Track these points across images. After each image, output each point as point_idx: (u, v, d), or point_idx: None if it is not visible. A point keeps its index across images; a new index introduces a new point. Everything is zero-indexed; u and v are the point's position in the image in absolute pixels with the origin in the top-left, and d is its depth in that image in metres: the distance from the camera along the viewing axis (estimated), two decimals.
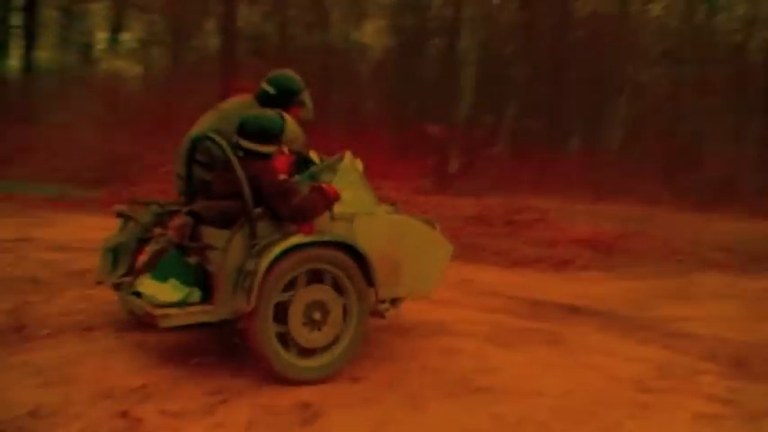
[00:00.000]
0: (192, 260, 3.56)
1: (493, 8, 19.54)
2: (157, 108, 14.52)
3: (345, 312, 3.66)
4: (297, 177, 3.87)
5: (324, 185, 3.66)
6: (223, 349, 3.91)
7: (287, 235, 3.43)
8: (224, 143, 3.50)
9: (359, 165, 4.02)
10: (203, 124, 3.96)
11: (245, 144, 3.54)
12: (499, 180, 15.43)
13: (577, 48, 19.52)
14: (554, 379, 3.94)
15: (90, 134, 13.07)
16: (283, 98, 3.99)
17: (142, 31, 17.72)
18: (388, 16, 19.65)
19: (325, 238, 3.55)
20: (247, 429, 3.00)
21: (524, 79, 18.80)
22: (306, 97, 4.11)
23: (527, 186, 14.45)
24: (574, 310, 5.93)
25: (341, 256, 3.58)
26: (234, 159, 3.43)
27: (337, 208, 3.68)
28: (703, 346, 4.96)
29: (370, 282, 3.68)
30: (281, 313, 3.46)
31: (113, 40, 17.55)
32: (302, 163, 4.04)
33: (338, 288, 3.64)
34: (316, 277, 3.57)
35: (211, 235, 3.57)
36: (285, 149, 3.76)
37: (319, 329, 3.56)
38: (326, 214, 3.63)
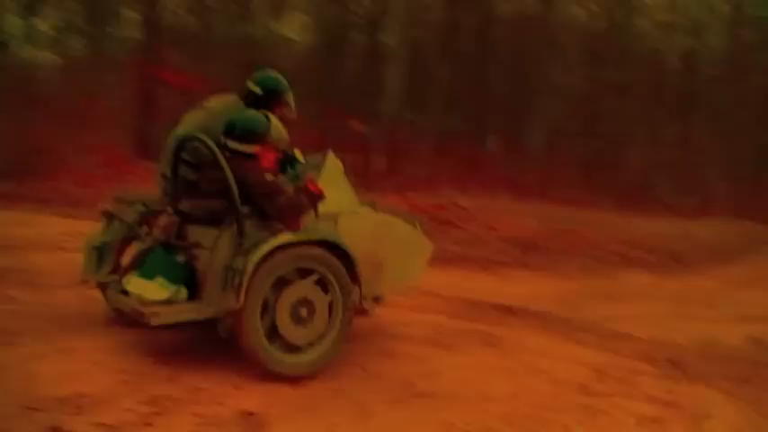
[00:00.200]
0: (180, 258, 3.56)
1: (420, 7, 19.55)
2: (74, 98, 13.77)
3: (331, 310, 3.69)
4: (282, 177, 3.86)
5: (309, 184, 3.70)
6: (156, 353, 3.64)
7: (274, 233, 3.47)
8: (213, 144, 3.50)
9: (339, 164, 4.09)
10: (189, 124, 3.91)
11: (232, 144, 3.57)
12: (423, 178, 15.47)
13: (500, 47, 19.79)
14: (499, 383, 3.88)
15: (1, 125, 12.22)
16: (269, 98, 4.00)
17: (58, 19, 16.77)
18: (312, 10, 19.37)
19: (313, 236, 3.59)
20: None
21: (448, 77, 18.90)
22: (289, 97, 4.11)
23: (450, 184, 14.54)
24: (510, 311, 5.93)
25: (327, 254, 3.62)
26: (223, 160, 3.44)
27: (322, 207, 3.75)
28: (639, 348, 5.04)
29: (355, 279, 3.72)
30: (268, 310, 3.48)
31: (27, 27, 16.52)
32: (287, 162, 4.02)
33: (324, 286, 3.66)
34: (301, 275, 3.60)
35: (198, 233, 3.62)
36: (274, 146, 3.78)
37: (305, 326, 3.58)
38: (311, 213, 3.69)
